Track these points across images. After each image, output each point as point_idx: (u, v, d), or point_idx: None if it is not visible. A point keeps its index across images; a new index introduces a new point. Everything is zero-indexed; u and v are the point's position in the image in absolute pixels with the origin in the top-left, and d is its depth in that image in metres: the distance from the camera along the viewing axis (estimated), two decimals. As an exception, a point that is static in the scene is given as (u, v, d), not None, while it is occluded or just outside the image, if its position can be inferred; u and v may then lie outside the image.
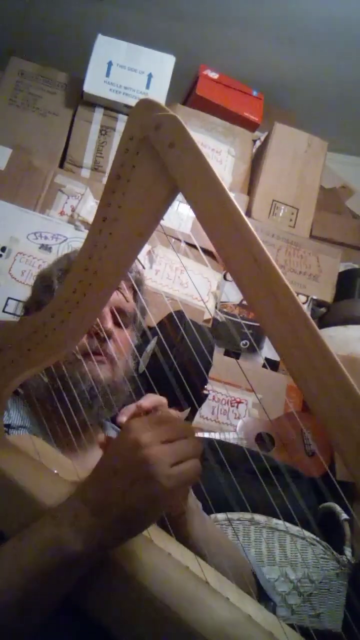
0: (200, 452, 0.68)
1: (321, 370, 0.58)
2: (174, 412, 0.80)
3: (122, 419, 0.76)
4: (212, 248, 0.62)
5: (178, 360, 1.32)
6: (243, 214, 0.61)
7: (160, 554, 0.73)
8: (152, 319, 1.18)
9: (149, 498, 0.64)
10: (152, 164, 0.65)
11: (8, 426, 0.96)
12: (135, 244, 0.69)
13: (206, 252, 1.93)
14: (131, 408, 0.77)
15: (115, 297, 1.03)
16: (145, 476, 0.63)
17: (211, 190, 0.62)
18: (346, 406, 0.57)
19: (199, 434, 1.77)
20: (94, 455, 0.85)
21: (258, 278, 0.60)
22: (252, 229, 0.61)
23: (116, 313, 1.03)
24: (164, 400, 0.80)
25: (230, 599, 0.70)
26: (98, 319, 0.95)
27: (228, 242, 0.62)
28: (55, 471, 0.80)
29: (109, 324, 1.00)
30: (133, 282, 1.06)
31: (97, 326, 0.97)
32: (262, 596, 0.91)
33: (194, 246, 2.00)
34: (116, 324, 1.03)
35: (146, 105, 0.64)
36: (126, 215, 0.67)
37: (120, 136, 0.65)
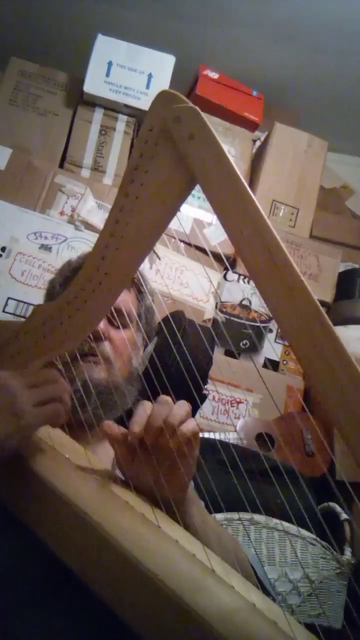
0: (65, 395, 0.77)
1: (333, 364, 0.58)
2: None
3: (134, 428, 0.76)
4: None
5: (178, 360, 1.32)
6: (261, 207, 0.61)
7: (167, 541, 0.73)
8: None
9: (8, 431, 0.71)
10: (171, 156, 0.65)
11: None
12: (151, 236, 0.70)
13: (206, 252, 1.94)
14: (142, 418, 0.77)
15: None
16: (7, 412, 0.71)
17: (229, 182, 0.62)
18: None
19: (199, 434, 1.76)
20: (105, 450, 0.89)
21: (273, 272, 0.61)
22: (269, 222, 0.61)
23: (113, 313, 1.03)
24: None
25: (235, 588, 0.70)
26: None
27: (244, 235, 0.62)
28: (67, 456, 0.81)
29: (102, 324, 0.99)
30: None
31: None
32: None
33: (194, 246, 2.00)
34: (113, 324, 1.03)
35: (166, 97, 0.64)
36: (143, 206, 0.67)
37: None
